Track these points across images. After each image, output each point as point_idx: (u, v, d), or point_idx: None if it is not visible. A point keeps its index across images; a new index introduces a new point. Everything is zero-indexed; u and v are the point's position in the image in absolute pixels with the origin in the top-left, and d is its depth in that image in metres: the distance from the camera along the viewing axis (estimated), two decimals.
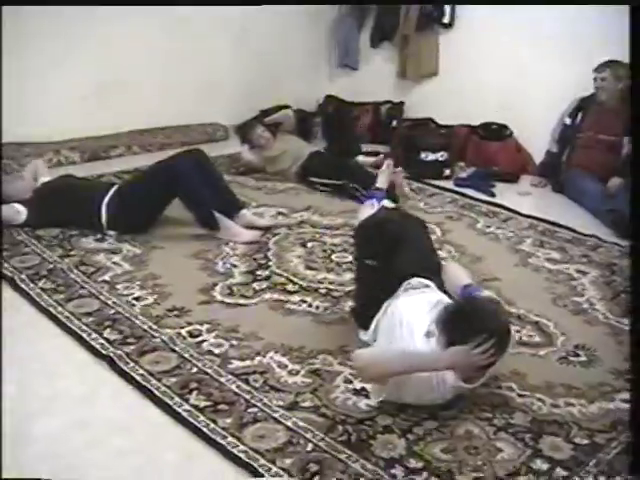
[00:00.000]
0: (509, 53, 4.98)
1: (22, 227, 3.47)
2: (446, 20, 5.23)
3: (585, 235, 3.79)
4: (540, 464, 1.99)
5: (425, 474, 1.94)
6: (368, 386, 2.31)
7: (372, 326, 2.51)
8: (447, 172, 4.75)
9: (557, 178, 4.63)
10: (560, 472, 1.96)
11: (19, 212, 3.45)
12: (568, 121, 4.59)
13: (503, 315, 2.20)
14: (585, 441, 2.10)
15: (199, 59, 5.26)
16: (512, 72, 4.99)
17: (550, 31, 4.73)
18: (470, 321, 2.10)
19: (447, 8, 5.19)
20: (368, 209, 3.36)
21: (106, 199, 3.45)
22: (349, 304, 2.84)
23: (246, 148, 4.63)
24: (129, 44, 4.85)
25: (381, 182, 3.77)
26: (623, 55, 4.32)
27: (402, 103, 5.58)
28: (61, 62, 4.60)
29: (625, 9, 4.16)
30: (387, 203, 3.60)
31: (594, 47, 4.46)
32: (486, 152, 4.91)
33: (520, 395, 2.31)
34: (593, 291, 3.14)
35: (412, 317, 2.30)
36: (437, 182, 4.63)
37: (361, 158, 4.85)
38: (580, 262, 3.45)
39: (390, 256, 2.53)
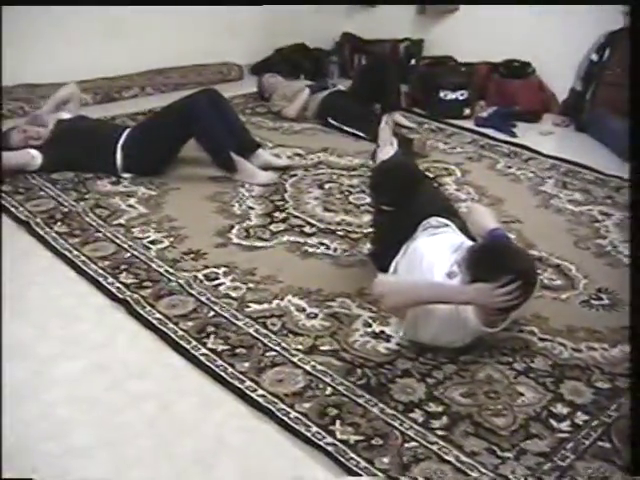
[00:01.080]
0: None
1: (37, 172, 3.42)
2: None
3: (609, 176, 3.70)
4: (561, 408, 1.97)
5: (444, 418, 1.92)
6: (387, 329, 2.29)
7: (391, 268, 2.47)
8: (467, 111, 4.63)
9: (581, 117, 4.50)
10: (581, 416, 1.94)
11: (34, 157, 3.41)
12: (595, 57, 4.43)
13: (531, 260, 2.13)
14: (607, 385, 2.07)
15: None
16: (535, 7, 4.80)
17: None
18: (497, 261, 2.05)
19: None
20: (385, 151, 3.29)
21: (121, 141, 3.40)
22: (367, 246, 2.80)
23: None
24: None
25: (383, 140, 3.51)
26: None
27: (421, 40, 5.41)
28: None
29: None
30: None
31: None
32: (507, 90, 4.76)
33: (541, 339, 2.28)
34: (616, 233, 3.07)
35: (433, 257, 2.27)
36: (457, 122, 4.52)
37: (399, 117, 4.32)
38: (604, 204, 3.38)
39: (407, 198, 2.48)
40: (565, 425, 1.90)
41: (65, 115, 3.60)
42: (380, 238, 2.65)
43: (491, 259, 2.06)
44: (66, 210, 3.08)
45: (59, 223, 2.97)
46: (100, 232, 2.91)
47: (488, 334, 2.17)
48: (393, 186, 2.55)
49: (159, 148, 3.43)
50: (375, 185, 2.71)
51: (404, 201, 2.48)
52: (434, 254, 2.28)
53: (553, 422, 1.91)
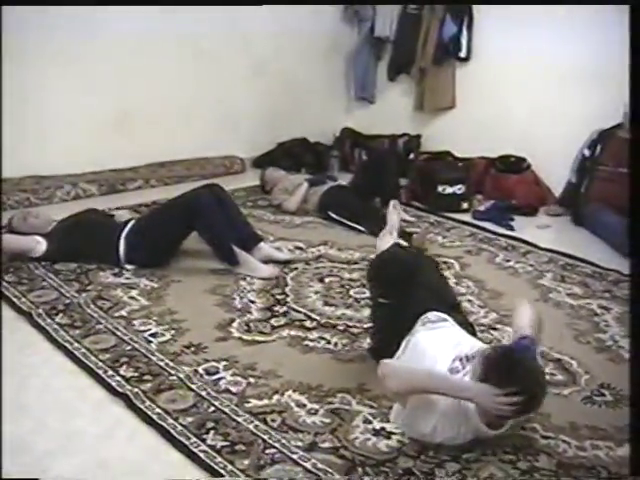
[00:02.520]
0: (526, 86, 4.98)
1: (41, 260, 3.47)
2: (463, 54, 5.25)
3: (607, 269, 3.74)
4: None
5: None
6: (388, 425, 2.27)
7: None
8: (465, 205, 4.72)
9: (577, 210, 4.59)
10: None
11: (39, 242, 3.46)
12: (587, 152, 4.57)
13: (542, 380, 2.12)
14: None
15: (217, 92, 5.30)
16: (529, 104, 4.99)
17: (567, 63, 4.73)
18: (508, 370, 2.02)
19: (464, 42, 5.21)
20: (385, 241, 3.34)
21: (124, 232, 3.46)
22: (367, 341, 2.80)
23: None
24: (147, 76, 4.90)
25: (391, 224, 3.60)
26: None
27: (419, 136, 5.58)
28: (79, 94, 4.65)
29: None
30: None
31: (614, 79, 4.45)
32: (504, 185, 4.88)
33: (544, 437, 2.25)
34: (617, 327, 3.08)
35: (435, 351, 2.28)
36: (455, 215, 4.60)
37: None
38: (603, 297, 3.40)
39: (405, 292, 2.51)
40: None
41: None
42: (379, 332, 2.66)
43: (503, 366, 2.04)
44: (68, 301, 3.10)
45: (61, 314, 2.98)
46: (101, 324, 2.91)
47: (488, 435, 2.14)
48: (389, 279, 2.58)
49: (162, 241, 3.49)
50: (371, 277, 2.74)
51: (400, 294, 2.51)
52: (435, 349, 2.29)
53: None
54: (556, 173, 4.80)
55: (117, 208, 4.29)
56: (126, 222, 3.54)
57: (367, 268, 2.93)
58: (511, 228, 4.41)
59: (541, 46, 4.85)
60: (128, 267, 3.44)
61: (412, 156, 5.38)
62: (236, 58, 5.34)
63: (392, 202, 3.91)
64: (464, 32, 5.19)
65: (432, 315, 2.46)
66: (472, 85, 5.29)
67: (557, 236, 4.38)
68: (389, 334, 2.51)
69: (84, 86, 4.63)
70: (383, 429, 2.26)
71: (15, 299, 3.09)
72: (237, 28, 5.22)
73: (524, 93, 5.00)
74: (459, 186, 4.70)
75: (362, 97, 5.93)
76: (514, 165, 4.94)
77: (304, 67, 5.74)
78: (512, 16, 4.90)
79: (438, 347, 2.29)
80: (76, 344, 2.74)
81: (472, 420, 2.10)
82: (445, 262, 3.73)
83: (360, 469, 2.07)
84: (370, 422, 2.30)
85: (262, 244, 3.66)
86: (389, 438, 2.22)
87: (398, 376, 2.15)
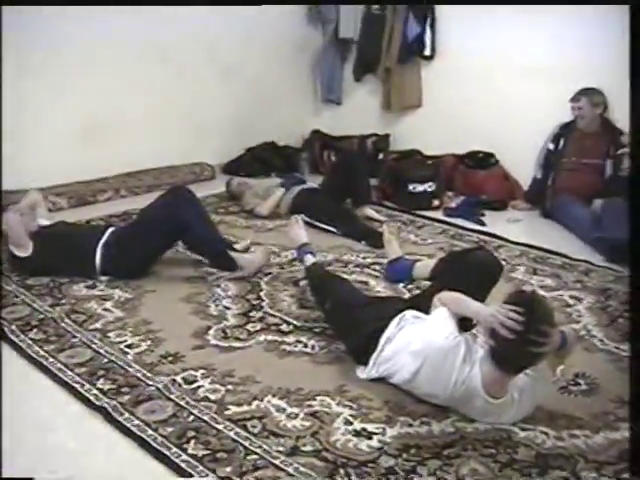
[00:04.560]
0: (490, 82, 5.03)
1: (23, 264, 3.43)
2: (427, 52, 5.29)
3: (577, 260, 3.80)
4: None
5: None
6: (368, 426, 2.29)
7: (372, 361, 2.51)
8: (436, 202, 4.75)
9: (544, 204, 4.65)
10: None
11: (29, 242, 3.41)
12: (551, 146, 4.64)
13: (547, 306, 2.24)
14: (593, 474, 2.07)
15: (184, 99, 5.27)
16: (495, 101, 5.03)
17: (531, 59, 4.79)
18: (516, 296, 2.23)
19: (428, 40, 5.25)
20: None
21: (101, 242, 3.41)
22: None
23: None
24: (113, 85, 4.85)
25: (393, 252, 3.44)
26: (601, 82, 4.40)
27: (388, 135, 5.60)
28: (45, 106, 4.58)
29: (605, 33, 4.33)
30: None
31: (574, 73, 4.53)
32: (473, 181, 4.93)
33: (523, 429, 2.28)
34: (589, 317, 3.13)
35: (408, 342, 2.41)
36: (426, 213, 4.64)
37: (369, 211, 4.47)
38: (574, 288, 3.45)
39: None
40: None
41: (44, 222, 3.62)
42: (352, 333, 2.70)
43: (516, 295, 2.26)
44: (42, 316, 3.06)
45: (35, 330, 2.94)
46: (76, 338, 2.88)
47: (488, 403, 2.22)
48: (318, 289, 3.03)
49: (143, 254, 3.46)
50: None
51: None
52: (408, 341, 2.41)
53: None
54: (523, 167, 4.85)
55: (87, 220, 4.26)
56: (102, 232, 3.49)
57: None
58: (482, 223, 4.46)
59: (503, 43, 4.92)
60: (102, 278, 3.40)
61: (381, 156, 5.40)
62: (202, 65, 5.32)
63: (386, 227, 3.66)
64: (427, 31, 5.23)
65: (409, 314, 2.54)
66: (438, 83, 5.34)
67: (527, 229, 4.44)
68: (366, 333, 2.57)
69: (50, 99, 4.57)
70: (364, 430, 2.27)
71: None
72: (202, 34, 5.19)
73: (489, 90, 5.05)
74: (429, 184, 4.73)
75: (329, 99, 5.95)
76: (482, 161, 4.99)
77: (270, 71, 5.74)
78: (474, 15, 4.96)
79: (418, 336, 2.39)
80: (51, 359, 2.71)
81: (475, 381, 2.20)
82: (418, 260, 3.74)
83: (342, 470, 2.07)
84: (351, 423, 2.31)
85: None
86: (370, 438, 2.23)
87: (453, 301, 2.40)
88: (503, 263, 3.64)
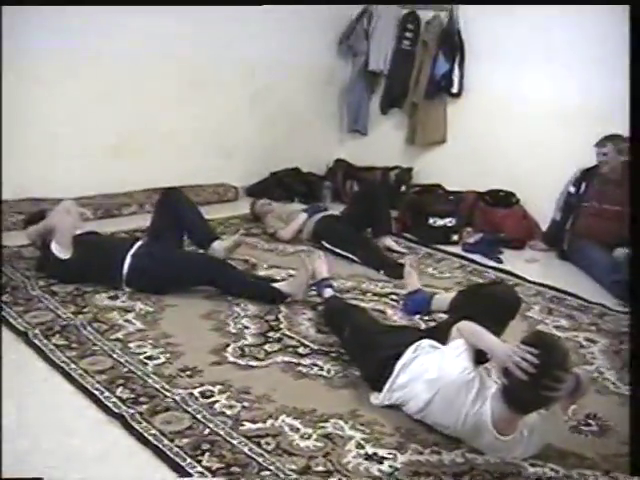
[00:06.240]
0: (515, 122, 5.13)
1: (61, 269, 3.50)
2: (455, 89, 5.38)
3: (592, 303, 3.83)
4: None
5: None
6: (380, 450, 2.32)
7: (386, 387, 2.55)
8: (455, 237, 4.81)
9: (562, 246, 4.69)
10: None
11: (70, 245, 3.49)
12: (572, 189, 4.68)
13: (563, 351, 2.23)
14: None
15: (213, 120, 5.39)
16: (518, 140, 5.12)
17: (554, 101, 4.88)
18: (534, 337, 2.24)
19: (455, 78, 5.35)
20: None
21: (130, 253, 3.49)
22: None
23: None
24: (144, 102, 4.99)
25: (412, 284, 3.56)
26: (625, 128, 4.45)
27: (410, 169, 5.69)
28: (78, 118, 4.72)
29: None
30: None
31: (599, 118, 4.59)
32: (493, 218, 4.99)
33: (532, 464, 2.31)
34: (602, 360, 3.16)
35: (425, 371, 2.46)
36: (445, 247, 4.69)
37: (389, 241, 4.53)
38: (589, 330, 3.49)
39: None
40: None
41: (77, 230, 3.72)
42: (368, 361, 2.74)
43: (534, 336, 2.28)
44: (64, 323, 3.13)
45: (57, 335, 3.00)
46: (97, 346, 2.94)
47: (497, 440, 2.25)
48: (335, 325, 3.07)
49: (173, 283, 3.55)
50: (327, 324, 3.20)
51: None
52: (426, 369, 2.45)
53: None
54: (543, 208, 4.91)
55: (111, 233, 4.34)
56: (132, 244, 3.58)
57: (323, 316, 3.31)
58: (500, 261, 4.50)
59: (529, 84, 5.01)
60: (126, 289, 3.48)
61: (403, 188, 5.47)
62: (233, 87, 5.45)
63: (408, 261, 3.80)
64: (456, 69, 5.33)
65: (425, 343, 2.58)
66: (463, 120, 5.43)
67: (544, 270, 4.48)
68: (381, 360, 2.62)
69: (83, 111, 4.70)
70: (375, 454, 2.31)
71: (12, 319, 3.11)
72: (235, 57, 5.32)
73: (513, 129, 5.14)
74: (450, 219, 4.79)
75: (355, 129, 6.05)
76: (503, 199, 5.05)
77: (299, 98, 5.86)
78: (502, 54, 5.05)
79: (433, 365, 2.44)
80: (73, 365, 2.76)
81: (485, 416, 2.23)
82: (435, 293, 3.79)
83: None
84: (363, 447, 2.34)
85: (217, 242, 3.87)
86: (381, 463, 2.26)
87: (471, 332, 2.42)
88: None
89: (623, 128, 4.43)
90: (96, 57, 4.65)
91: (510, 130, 5.14)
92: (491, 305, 2.66)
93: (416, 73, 5.46)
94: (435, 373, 2.38)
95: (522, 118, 5.08)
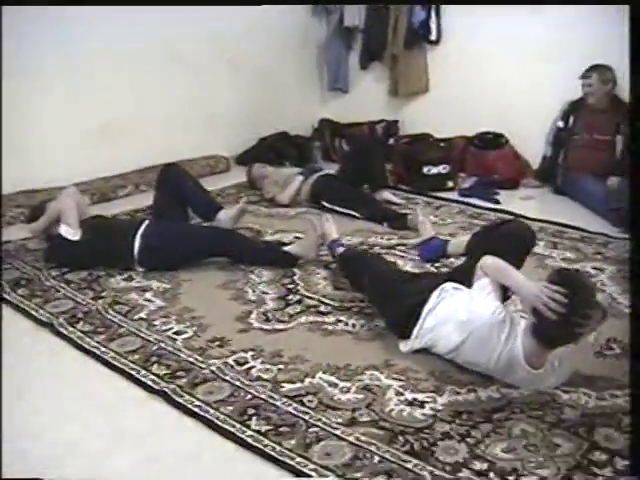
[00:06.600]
0: (496, 64, 5.14)
1: (71, 251, 3.52)
2: (433, 37, 5.38)
3: (594, 233, 3.92)
4: (599, 456, 2.08)
5: (492, 474, 2.01)
6: (419, 395, 2.40)
7: (414, 333, 2.62)
8: (450, 184, 4.87)
9: (556, 180, 4.76)
10: (620, 462, 2.04)
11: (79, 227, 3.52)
12: (561, 124, 4.74)
13: (592, 298, 2.28)
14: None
15: (195, 93, 5.36)
16: (502, 81, 5.14)
17: (535, 39, 4.90)
18: (563, 275, 2.30)
19: (433, 25, 5.34)
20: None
21: (139, 233, 3.50)
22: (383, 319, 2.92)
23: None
24: (126, 84, 4.96)
25: (426, 232, 3.73)
26: (607, 59, 4.51)
27: (396, 121, 5.70)
28: (63, 106, 4.69)
29: (610, 15, 4.43)
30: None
31: (580, 51, 4.63)
32: (485, 161, 5.04)
33: (565, 391, 2.40)
34: (613, 286, 3.25)
35: (452, 312, 2.52)
36: (442, 194, 4.75)
37: (387, 194, 4.60)
38: (595, 259, 3.57)
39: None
40: (608, 471, 2.01)
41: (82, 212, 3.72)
42: (392, 309, 2.80)
43: (563, 274, 2.33)
44: (86, 309, 3.16)
45: (81, 322, 3.03)
46: (123, 327, 2.98)
47: (527, 376, 2.32)
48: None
49: (185, 257, 3.58)
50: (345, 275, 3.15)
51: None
52: (452, 311, 2.52)
53: (595, 469, 2.02)
54: (533, 146, 4.96)
55: (112, 216, 4.34)
56: (140, 223, 3.59)
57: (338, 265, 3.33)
58: (497, 202, 4.57)
59: (507, 25, 5.01)
60: (139, 269, 3.50)
61: (392, 141, 5.50)
62: (210, 59, 5.40)
63: (419, 211, 3.99)
64: (433, 16, 5.32)
65: (448, 286, 2.64)
66: (444, 67, 5.44)
67: (541, 206, 4.55)
68: (406, 308, 2.68)
69: (67, 98, 4.67)
70: (415, 399, 2.39)
71: (33, 312, 3.14)
72: (208, 29, 5.26)
73: (495, 71, 5.15)
74: (443, 165, 4.84)
75: (336, 87, 6.04)
76: (492, 141, 5.10)
77: (277, 62, 5.83)
78: None
79: (459, 306, 2.52)
80: (103, 349, 2.81)
81: (516, 352, 2.31)
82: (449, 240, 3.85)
83: (401, 437, 2.19)
84: (402, 394, 2.42)
85: (222, 212, 3.93)
86: (423, 407, 2.34)
87: (497, 261, 2.46)
88: None
89: (605, 59, 4.51)
90: (76, 44, 4.58)
91: (492, 72, 5.15)
92: (508, 242, 2.71)
93: (393, 24, 5.44)
94: (465, 315, 2.45)
95: (502, 59, 5.09)
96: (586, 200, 4.40)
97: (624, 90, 4.55)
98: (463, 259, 3.10)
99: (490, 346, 2.37)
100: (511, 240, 2.73)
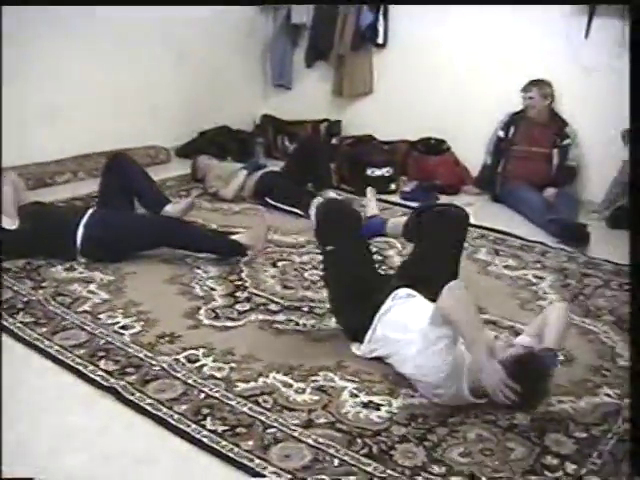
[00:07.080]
0: (441, 70, 5.21)
1: (8, 240, 3.36)
2: (380, 40, 5.42)
3: (532, 241, 4.04)
4: (550, 460, 2.14)
5: (452, 479, 2.04)
6: (374, 398, 2.41)
7: (367, 339, 2.62)
8: (393, 186, 4.91)
9: (494, 189, 4.88)
10: (570, 466, 2.11)
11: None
12: (501, 134, 4.86)
13: (545, 396, 2.33)
14: (584, 434, 2.27)
15: (137, 82, 5.22)
16: (445, 89, 5.22)
17: (480, 49, 5.01)
18: (530, 377, 2.22)
19: (380, 28, 5.38)
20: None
21: (82, 223, 3.39)
22: (334, 320, 2.91)
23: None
24: (69, 68, 4.78)
25: (371, 210, 3.89)
26: (550, 72, 4.66)
27: (339, 121, 5.72)
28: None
29: (553, 27, 4.58)
30: None
31: (523, 64, 4.77)
32: (426, 166, 5.11)
33: None
34: (553, 295, 3.36)
35: (406, 320, 2.50)
36: (384, 197, 4.78)
37: (331, 194, 4.54)
38: (535, 268, 3.68)
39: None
40: (559, 475, 2.07)
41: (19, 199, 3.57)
42: (347, 310, 2.79)
43: (527, 371, 2.21)
44: (26, 299, 3.03)
45: (22, 313, 2.91)
46: (67, 320, 2.88)
47: (467, 400, 2.33)
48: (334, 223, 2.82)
49: (128, 247, 3.49)
50: (320, 223, 2.90)
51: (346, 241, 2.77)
52: (406, 319, 2.51)
53: (548, 473, 2.08)
54: (473, 154, 5.07)
55: (50, 203, 4.18)
56: (83, 213, 3.47)
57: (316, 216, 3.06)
58: None
59: (455, 33, 5.10)
60: (81, 260, 3.39)
61: (334, 141, 5.51)
62: (155, 48, 5.27)
63: (369, 191, 4.05)
64: (380, 19, 5.35)
65: (402, 292, 2.65)
66: (389, 71, 5.49)
67: (480, 213, 4.63)
68: (360, 310, 2.67)
69: (7, 80, 4.45)
70: (371, 402, 2.39)
71: None
72: (156, 18, 5.13)
73: (440, 78, 5.22)
74: (387, 168, 4.89)
75: (279, 84, 6.00)
76: (434, 147, 5.18)
77: (222, 55, 5.74)
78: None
79: (409, 317, 2.50)
80: (47, 342, 2.70)
81: (460, 378, 2.29)
82: (387, 242, 3.89)
83: (359, 440, 2.19)
84: (357, 396, 2.43)
85: (169, 205, 3.86)
86: (378, 409, 2.35)
87: (458, 303, 2.27)
88: (465, 245, 3.89)
89: (545, 74, 4.66)
90: (21, 23, 4.39)
91: (437, 79, 5.22)
92: (442, 220, 2.80)
93: (341, 24, 5.44)
94: (413, 350, 2.36)
95: (448, 66, 5.16)
96: (523, 209, 4.53)
97: (562, 105, 4.73)
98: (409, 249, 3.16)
99: (435, 384, 2.34)
100: (446, 218, 2.81)
